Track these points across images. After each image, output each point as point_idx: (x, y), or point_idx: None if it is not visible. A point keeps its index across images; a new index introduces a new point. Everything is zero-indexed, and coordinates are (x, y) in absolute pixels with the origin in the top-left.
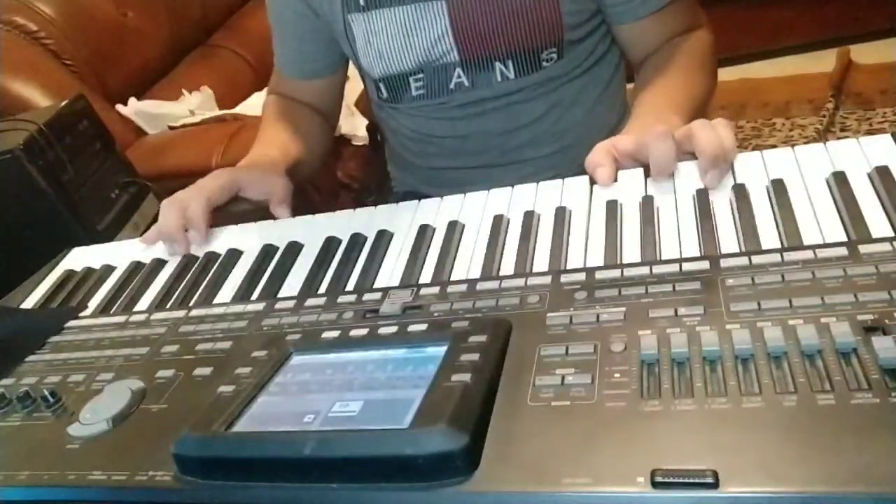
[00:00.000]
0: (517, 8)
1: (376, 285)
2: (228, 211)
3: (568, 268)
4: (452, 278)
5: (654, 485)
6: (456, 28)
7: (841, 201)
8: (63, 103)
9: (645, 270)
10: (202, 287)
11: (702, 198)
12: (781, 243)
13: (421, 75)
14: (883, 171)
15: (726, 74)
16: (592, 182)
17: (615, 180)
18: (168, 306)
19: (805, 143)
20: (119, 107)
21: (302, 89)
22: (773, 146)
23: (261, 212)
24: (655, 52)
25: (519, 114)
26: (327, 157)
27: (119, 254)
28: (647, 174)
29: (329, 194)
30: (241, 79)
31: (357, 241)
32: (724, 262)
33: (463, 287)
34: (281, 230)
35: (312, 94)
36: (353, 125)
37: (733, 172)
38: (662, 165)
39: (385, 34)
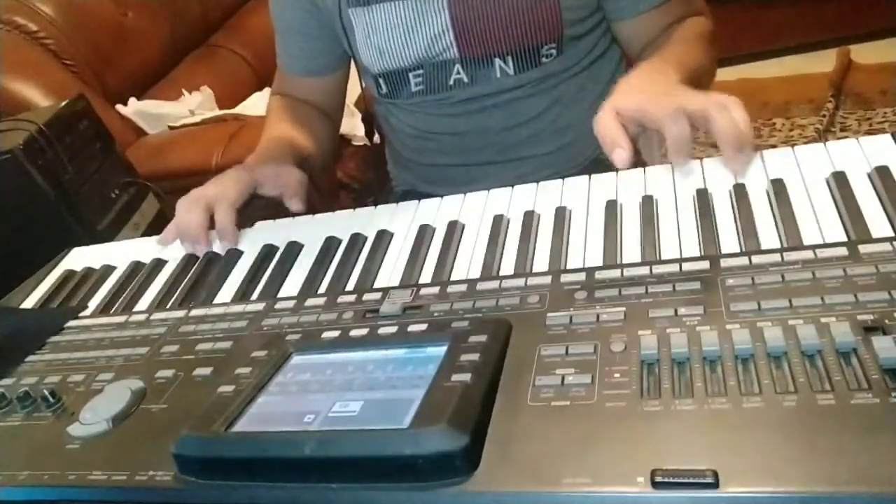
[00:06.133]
0: (516, 4)
1: (376, 285)
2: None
3: (568, 268)
4: (452, 278)
5: (654, 485)
6: (456, 24)
7: (841, 201)
8: (63, 103)
9: (645, 270)
10: (202, 287)
11: (702, 198)
12: (781, 243)
13: (420, 71)
14: (883, 171)
15: (726, 74)
16: (591, 182)
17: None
18: (168, 306)
19: (805, 143)
20: (119, 107)
21: (306, 88)
22: (773, 146)
23: (273, 207)
24: None
25: (518, 111)
26: (332, 155)
27: (119, 254)
28: (646, 173)
29: (329, 194)
30: (241, 79)
31: (357, 241)
32: (724, 262)
33: (463, 287)
34: (281, 230)
35: (317, 93)
36: (353, 125)
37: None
38: (679, 146)
39: (385, 29)
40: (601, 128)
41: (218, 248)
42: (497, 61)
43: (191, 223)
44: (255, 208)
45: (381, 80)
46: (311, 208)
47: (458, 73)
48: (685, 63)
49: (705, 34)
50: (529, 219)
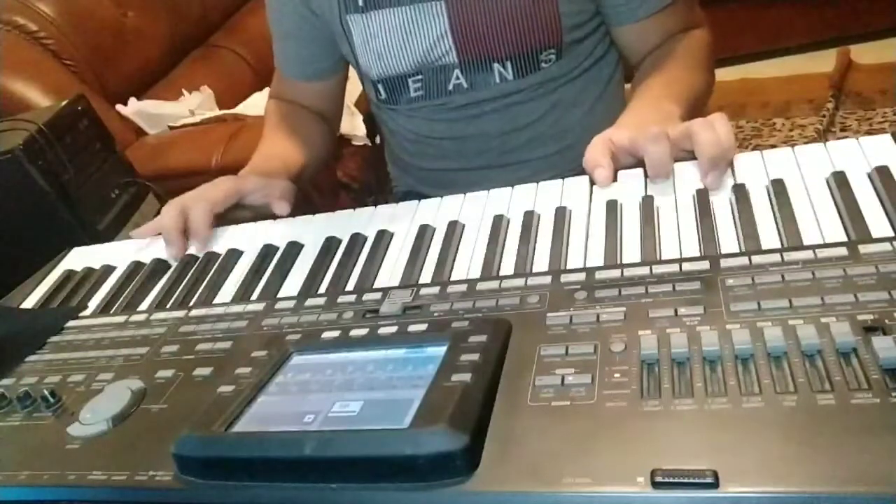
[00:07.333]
0: (516, 9)
1: (376, 285)
2: (227, 218)
3: (568, 268)
4: (452, 278)
5: (654, 485)
6: (455, 29)
7: (841, 201)
8: (63, 103)
9: (645, 270)
10: (202, 287)
11: (702, 198)
12: (781, 243)
13: (419, 76)
14: (883, 171)
15: (726, 74)
16: (592, 182)
17: (614, 180)
18: (168, 306)
19: (805, 143)
20: (119, 107)
21: (303, 92)
22: (773, 146)
23: (259, 219)
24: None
25: (518, 115)
26: (329, 159)
27: (119, 254)
28: (646, 174)
29: (329, 194)
30: (241, 79)
31: (357, 241)
32: (724, 262)
33: (463, 287)
34: (281, 230)
35: (314, 97)
36: (353, 125)
37: (733, 172)
38: (659, 167)
39: (383, 35)
40: (588, 150)
41: (193, 250)
42: (496, 66)
43: (165, 225)
44: (242, 220)
45: (380, 86)
46: (311, 208)
47: (458, 78)
48: (684, 90)
49: (704, 51)
50: (529, 219)
